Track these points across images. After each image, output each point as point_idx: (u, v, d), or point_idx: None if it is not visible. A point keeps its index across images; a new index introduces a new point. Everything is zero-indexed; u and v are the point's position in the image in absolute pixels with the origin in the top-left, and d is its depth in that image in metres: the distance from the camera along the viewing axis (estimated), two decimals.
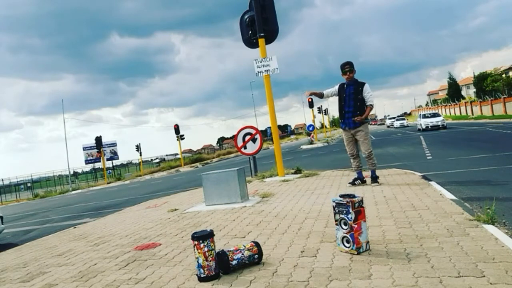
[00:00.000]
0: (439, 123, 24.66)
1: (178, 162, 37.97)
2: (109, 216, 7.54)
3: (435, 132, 21.93)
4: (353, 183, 5.85)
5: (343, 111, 5.77)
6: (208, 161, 39.49)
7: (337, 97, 5.89)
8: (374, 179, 5.72)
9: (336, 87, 5.89)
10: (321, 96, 6.07)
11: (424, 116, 27.38)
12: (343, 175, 7.27)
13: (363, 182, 5.84)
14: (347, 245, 2.76)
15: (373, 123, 76.53)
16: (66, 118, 42.79)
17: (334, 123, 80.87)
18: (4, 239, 7.68)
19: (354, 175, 6.03)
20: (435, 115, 27.40)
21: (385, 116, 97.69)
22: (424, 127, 25.17)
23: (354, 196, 2.77)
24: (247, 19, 8.09)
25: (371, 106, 5.68)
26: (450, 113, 49.81)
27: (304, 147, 28.24)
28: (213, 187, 5.74)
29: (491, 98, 36.56)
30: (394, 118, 54.48)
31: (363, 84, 5.69)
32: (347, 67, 5.69)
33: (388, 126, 49.98)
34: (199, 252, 2.63)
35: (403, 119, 46.09)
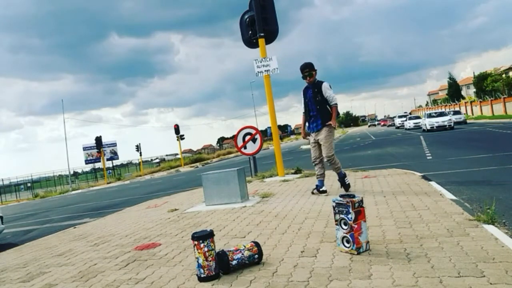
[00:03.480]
0: (446, 123, 23.10)
1: (178, 162, 38.00)
2: (109, 216, 7.54)
3: (435, 132, 21.88)
4: (312, 192, 5.45)
5: (308, 115, 5.38)
6: (208, 161, 39.50)
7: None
8: (344, 183, 5.31)
9: (301, 95, 5.49)
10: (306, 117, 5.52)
11: (430, 116, 25.59)
12: None
13: (321, 192, 5.33)
14: (347, 245, 2.76)
15: (382, 123, 66.18)
16: (66, 118, 42.84)
17: None
18: (4, 239, 7.67)
19: (352, 174, 5.93)
20: (441, 114, 25.65)
21: (385, 116, 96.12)
22: (429, 127, 23.56)
23: (354, 196, 2.77)
24: (247, 19, 8.09)
25: (336, 105, 5.23)
26: (450, 113, 49.68)
27: (304, 147, 28.23)
28: (213, 187, 5.74)
29: (491, 98, 36.59)
30: (405, 116, 41.99)
31: (320, 84, 5.24)
32: (306, 71, 5.22)
33: (398, 127, 40.36)
34: (199, 252, 2.63)
35: (418, 117, 34.79)
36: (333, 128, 5.26)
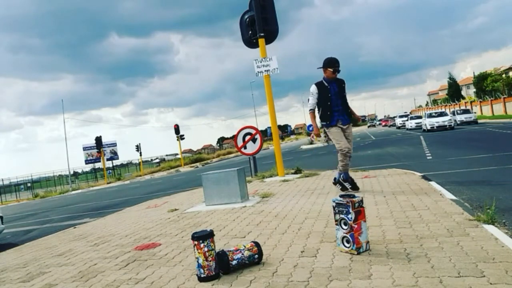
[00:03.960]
0: (446, 124, 23.03)
1: (178, 162, 38.03)
2: (109, 216, 7.54)
3: (435, 132, 21.88)
4: (353, 187, 5.32)
5: (331, 110, 5.21)
6: (208, 161, 39.52)
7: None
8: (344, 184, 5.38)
9: (315, 90, 5.29)
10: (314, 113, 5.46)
11: (430, 116, 25.48)
12: None
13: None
14: (347, 245, 2.76)
15: (383, 123, 62.65)
16: (66, 118, 42.83)
17: None
18: (4, 239, 7.67)
19: (352, 174, 5.81)
20: (442, 114, 25.48)
21: (385, 116, 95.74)
22: (429, 127, 23.48)
23: (354, 196, 2.77)
24: (247, 19, 8.09)
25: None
26: (450, 113, 49.49)
27: (304, 147, 28.25)
28: (213, 187, 5.74)
29: (491, 98, 36.59)
30: (406, 116, 40.25)
31: (343, 81, 5.33)
32: (338, 66, 5.21)
33: (399, 127, 38.66)
34: (199, 252, 2.63)
35: (420, 117, 32.56)
36: None
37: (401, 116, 42.81)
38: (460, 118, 27.24)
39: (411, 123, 31.21)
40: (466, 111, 29.53)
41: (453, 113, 28.27)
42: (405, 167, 7.79)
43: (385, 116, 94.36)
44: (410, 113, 54.96)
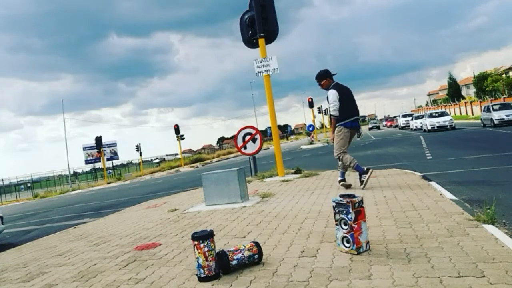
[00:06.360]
0: (447, 124, 22.58)
1: (178, 162, 38.04)
2: (109, 216, 7.54)
3: (435, 132, 21.88)
4: (348, 185, 5.71)
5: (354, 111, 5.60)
6: (208, 161, 39.53)
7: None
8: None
9: (336, 93, 5.53)
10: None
11: (431, 116, 24.95)
12: None
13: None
14: (347, 245, 2.76)
15: (388, 123, 57.95)
16: (66, 118, 42.81)
17: None
18: (4, 239, 7.68)
19: (352, 174, 5.99)
20: (442, 114, 24.90)
21: (385, 116, 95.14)
22: (430, 127, 23.13)
23: (354, 196, 2.77)
24: (247, 19, 8.09)
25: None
26: (450, 113, 49.38)
27: (304, 147, 28.24)
28: (213, 187, 5.74)
29: (491, 98, 36.56)
30: (409, 115, 38.01)
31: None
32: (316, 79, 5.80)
33: (402, 127, 36.53)
34: (199, 252, 2.63)
35: (423, 117, 28.74)
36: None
37: (404, 116, 40.45)
38: (499, 115, 19.40)
39: (415, 123, 29.30)
40: (506, 106, 20.45)
41: (487, 109, 20.93)
42: (405, 167, 7.79)
43: (385, 116, 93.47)
44: (412, 112, 53.13)
